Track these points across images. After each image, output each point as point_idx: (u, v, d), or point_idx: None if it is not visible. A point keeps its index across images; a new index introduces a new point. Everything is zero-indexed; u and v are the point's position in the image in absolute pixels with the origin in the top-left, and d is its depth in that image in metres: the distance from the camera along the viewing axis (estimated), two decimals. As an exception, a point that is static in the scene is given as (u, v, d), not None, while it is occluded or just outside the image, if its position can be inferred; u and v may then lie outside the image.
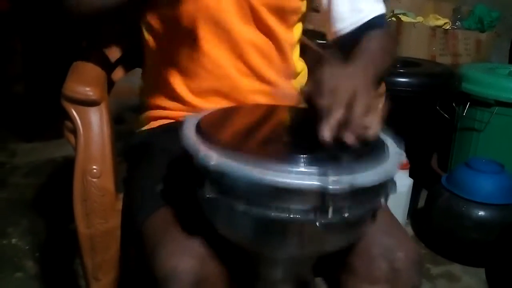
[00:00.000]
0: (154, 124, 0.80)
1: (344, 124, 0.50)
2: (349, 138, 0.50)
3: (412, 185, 1.56)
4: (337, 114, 0.50)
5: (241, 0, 0.73)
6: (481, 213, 1.39)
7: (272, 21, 0.76)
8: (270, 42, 0.77)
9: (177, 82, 0.76)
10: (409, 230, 1.63)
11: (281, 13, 0.77)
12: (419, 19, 2.06)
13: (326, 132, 0.49)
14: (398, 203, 1.52)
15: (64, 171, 1.85)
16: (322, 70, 0.55)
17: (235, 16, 0.74)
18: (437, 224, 1.48)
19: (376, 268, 0.60)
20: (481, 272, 1.42)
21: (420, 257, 0.62)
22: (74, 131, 0.74)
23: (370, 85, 0.58)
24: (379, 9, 0.79)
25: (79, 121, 0.73)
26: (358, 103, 0.51)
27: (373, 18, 0.77)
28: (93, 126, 0.73)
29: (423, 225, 1.59)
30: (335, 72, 0.55)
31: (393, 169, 0.51)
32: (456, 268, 1.44)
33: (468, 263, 1.45)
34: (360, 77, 0.57)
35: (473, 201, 1.39)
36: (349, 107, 0.51)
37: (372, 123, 0.52)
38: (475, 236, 1.39)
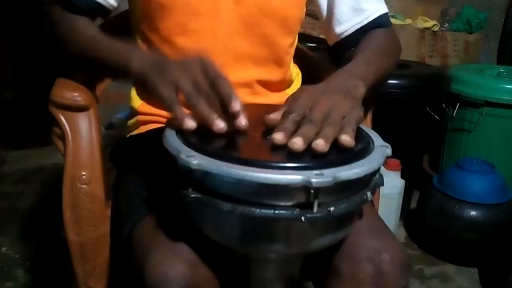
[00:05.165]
0: (144, 129, 0.80)
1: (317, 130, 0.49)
2: (319, 145, 0.48)
3: (404, 186, 1.57)
4: (295, 117, 0.50)
5: (243, 13, 0.71)
6: (473, 213, 1.39)
7: (275, 33, 0.74)
8: (270, 54, 0.76)
9: None
10: (402, 231, 1.64)
11: (285, 24, 0.75)
12: (408, 21, 2.07)
13: (278, 135, 0.49)
14: (390, 204, 1.53)
15: (54, 178, 1.84)
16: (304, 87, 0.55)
17: (235, 29, 0.72)
18: (430, 224, 1.49)
19: (361, 270, 0.58)
20: (474, 272, 1.42)
21: (407, 259, 0.60)
22: (63, 137, 0.73)
23: (357, 95, 0.56)
24: (382, 8, 0.75)
25: (67, 127, 0.72)
26: (334, 112, 0.51)
27: (376, 18, 0.75)
28: (82, 131, 0.73)
29: (416, 226, 1.60)
30: (314, 89, 0.54)
31: (378, 162, 0.50)
32: (449, 268, 1.45)
33: (461, 263, 1.45)
34: (349, 85, 0.56)
35: (464, 201, 1.40)
36: (321, 114, 0.50)
37: (346, 132, 0.50)
38: (467, 236, 1.40)
